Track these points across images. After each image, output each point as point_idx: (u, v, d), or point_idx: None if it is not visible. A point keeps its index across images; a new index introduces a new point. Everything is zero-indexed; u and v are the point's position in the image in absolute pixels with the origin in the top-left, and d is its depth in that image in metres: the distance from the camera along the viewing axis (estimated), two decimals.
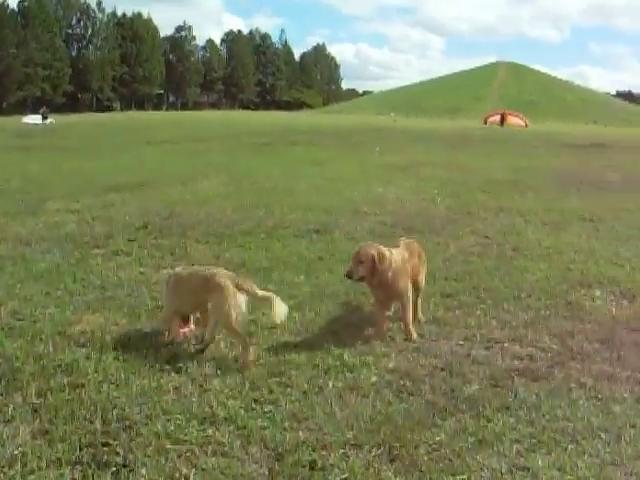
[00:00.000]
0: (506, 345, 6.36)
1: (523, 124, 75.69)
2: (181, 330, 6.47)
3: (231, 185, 17.48)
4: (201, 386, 5.31)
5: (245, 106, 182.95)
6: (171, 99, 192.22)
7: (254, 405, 4.98)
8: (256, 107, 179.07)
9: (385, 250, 6.42)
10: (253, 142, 34.91)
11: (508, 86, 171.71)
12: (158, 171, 20.48)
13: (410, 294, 6.60)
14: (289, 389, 5.27)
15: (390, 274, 6.34)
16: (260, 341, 6.30)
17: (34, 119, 69.06)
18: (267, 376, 5.48)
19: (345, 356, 5.91)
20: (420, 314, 7.06)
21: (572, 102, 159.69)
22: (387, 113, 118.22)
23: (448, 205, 14.69)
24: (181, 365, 5.66)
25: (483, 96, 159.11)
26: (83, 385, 5.23)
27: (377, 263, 6.25)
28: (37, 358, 5.71)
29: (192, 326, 6.62)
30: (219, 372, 5.56)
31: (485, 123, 78.15)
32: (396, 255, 6.52)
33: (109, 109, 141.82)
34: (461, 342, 6.44)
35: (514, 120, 77.30)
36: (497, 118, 77.21)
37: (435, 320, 7.03)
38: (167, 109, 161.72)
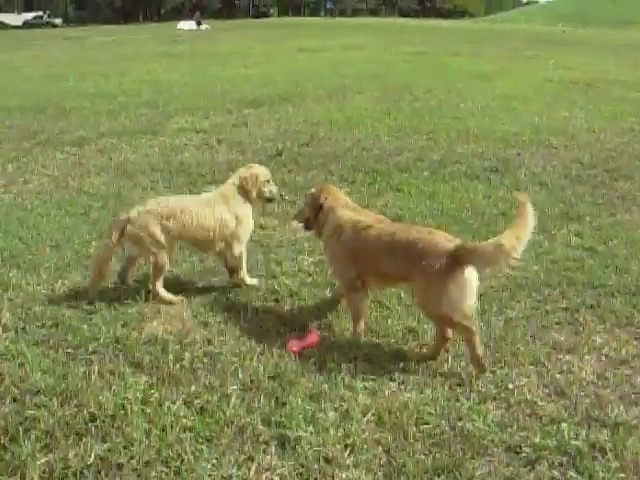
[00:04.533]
0: None
1: None
2: (298, 343, 4.22)
3: (386, 102, 14.86)
4: None
5: (405, 14, 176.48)
6: (329, 6, 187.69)
7: None
8: (416, 15, 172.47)
9: None
10: (412, 51, 31.80)
11: None
12: (305, 82, 18.08)
13: None
14: None
15: None
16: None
17: (189, 25, 68.65)
18: None
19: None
20: None
21: None
22: (554, 24, 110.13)
23: None
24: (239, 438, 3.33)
25: None
26: None
27: None
28: None
29: (316, 335, 4.34)
30: (294, 453, 3.21)
31: None
32: None
33: (265, 15, 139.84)
34: None
35: None
36: None
37: None
38: (324, 16, 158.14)
